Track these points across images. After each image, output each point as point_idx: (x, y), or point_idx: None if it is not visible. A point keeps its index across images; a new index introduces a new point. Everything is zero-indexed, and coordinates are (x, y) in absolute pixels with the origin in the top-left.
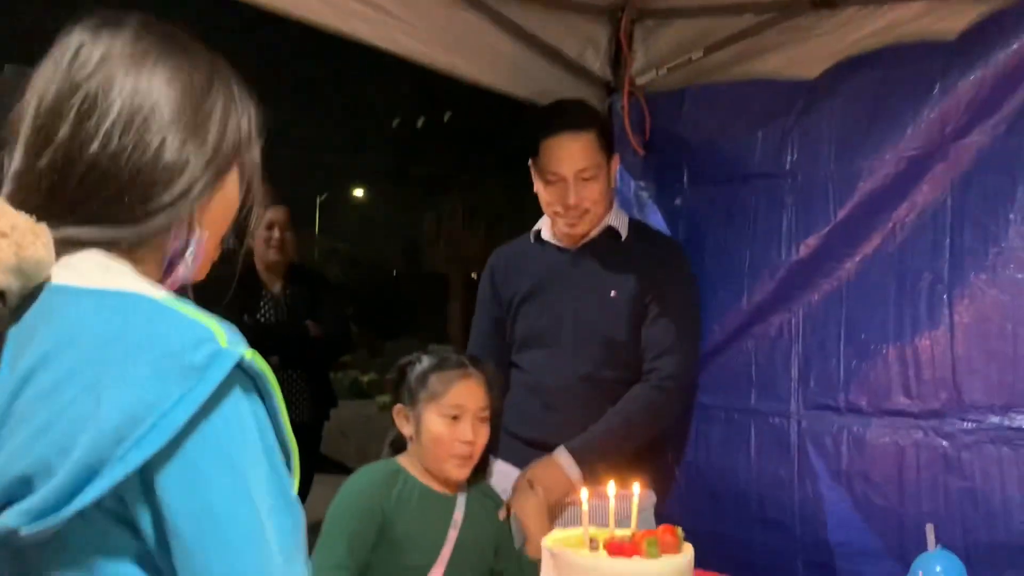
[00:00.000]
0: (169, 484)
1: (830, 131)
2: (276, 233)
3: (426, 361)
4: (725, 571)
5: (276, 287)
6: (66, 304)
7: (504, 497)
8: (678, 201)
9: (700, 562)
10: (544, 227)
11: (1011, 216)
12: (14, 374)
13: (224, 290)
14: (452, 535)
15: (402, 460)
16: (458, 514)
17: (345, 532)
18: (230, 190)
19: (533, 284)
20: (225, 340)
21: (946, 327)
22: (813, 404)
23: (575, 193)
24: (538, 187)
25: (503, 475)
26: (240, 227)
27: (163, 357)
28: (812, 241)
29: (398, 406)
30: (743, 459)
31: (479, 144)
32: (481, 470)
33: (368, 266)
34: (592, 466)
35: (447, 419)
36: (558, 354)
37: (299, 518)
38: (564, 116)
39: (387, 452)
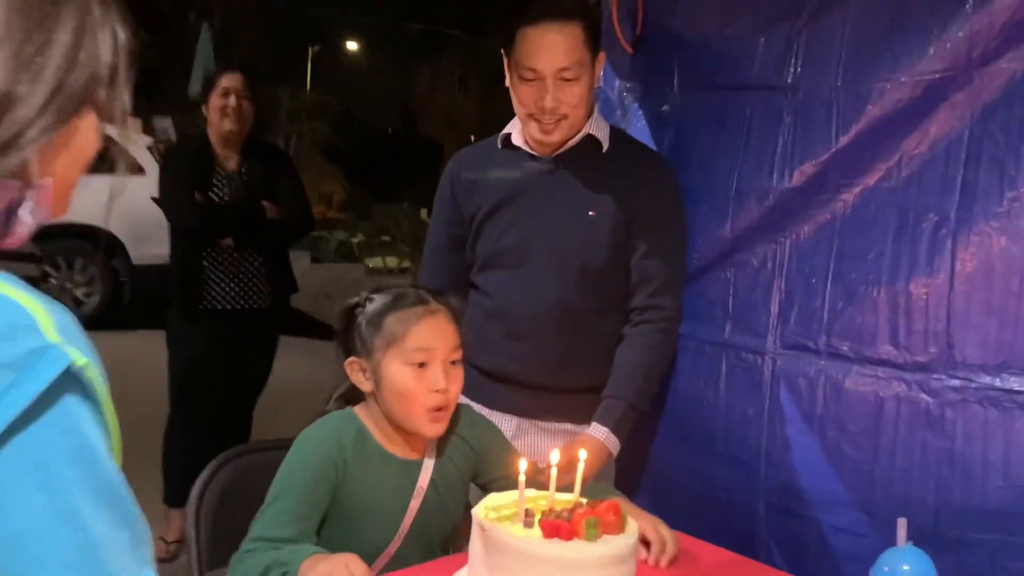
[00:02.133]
0: None
1: (841, 42)
2: (232, 101)
3: (378, 300)
4: (684, 503)
5: (231, 163)
6: None
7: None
8: (666, 108)
9: (660, 493)
10: (515, 131)
11: None
12: None
13: (177, 168)
14: (414, 505)
15: (361, 414)
16: (423, 480)
17: (298, 486)
18: (83, 137)
19: (500, 197)
20: (54, 331)
21: (946, 275)
22: (791, 343)
23: (553, 95)
24: (511, 84)
25: None
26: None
27: None
28: (808, 167)
29: (350, 359)
30: (711, 393)
31: (477, 2)
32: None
33: (361, 124)
34: (626, 431)
35: (412, 367)
36: (524, 277)
37: (142, 533)
38: (547, 2)
39: (335, 406)
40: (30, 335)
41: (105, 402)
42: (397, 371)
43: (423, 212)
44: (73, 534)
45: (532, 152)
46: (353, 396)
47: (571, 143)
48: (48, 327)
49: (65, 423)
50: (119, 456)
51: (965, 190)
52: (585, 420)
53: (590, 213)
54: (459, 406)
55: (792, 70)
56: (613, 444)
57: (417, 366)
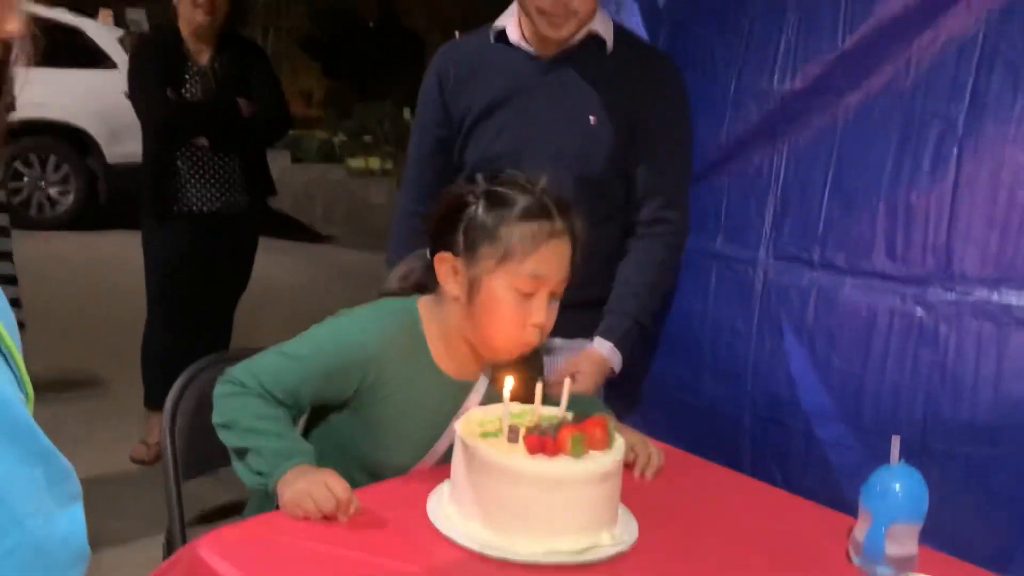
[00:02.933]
0: None
1: None
2: None
3: (497, 201)
4: (670, 415)
5: (204, 58)
6: None
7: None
8: (661, 2)
9: (646, 404)
10: (510, 25)
11: None
12: None
13: (145, 60)
14: (451, 430)
15: (424, 312)
16: (471, 402)
17: (314, 369)
18: None
19: (493, 97)
20: None
21: (949, 184)
22: (784, 254)
23: None
24: None
25: None
26: None
27: None
28: (812, 68)
29: (443, 254)
30: (699, 303)
31: None
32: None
33: (341, 17)
34: (630, 347)
35: (518, 292)
36: None
37: (61, 467)
38: None
39: (397, 286)
40: None
41: (2, 334)
42: (502, 291)
43: (406, 111)
44: None
45: (529, 51)
46: (421, 285)
47: (572, 41)
48: None
49: None
50: (31, 395)
51: (975, 96)
52: (580, 335)
53: (591, 118)
54: None
55: None
56: (616, 360)
57: (525, 294)
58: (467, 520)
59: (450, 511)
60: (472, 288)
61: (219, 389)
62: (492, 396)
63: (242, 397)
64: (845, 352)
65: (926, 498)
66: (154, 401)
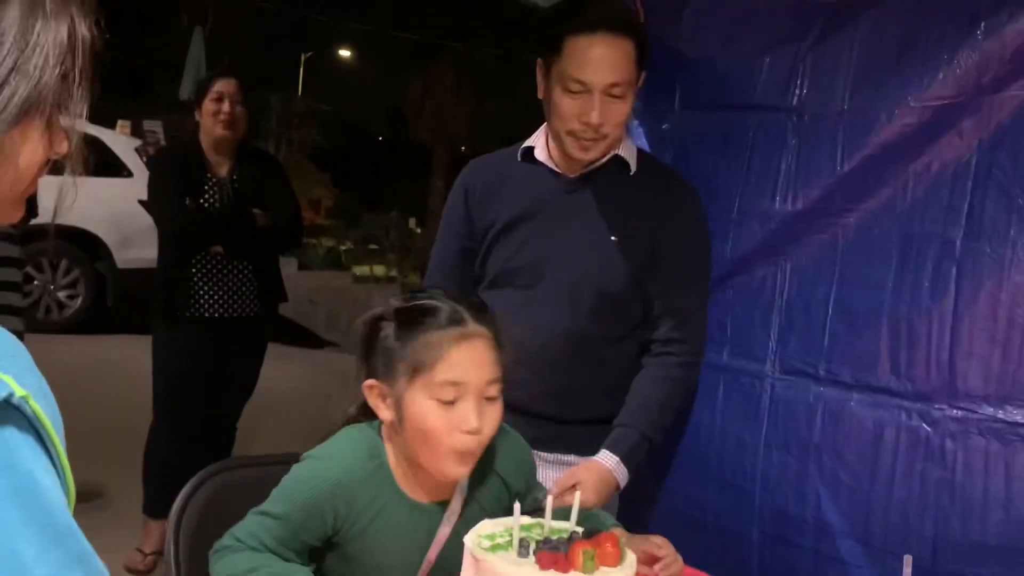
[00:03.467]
0: None
1: (848, 65)
2: (225, 107)
3: (405, 314)
4: (676, 529)
5: (223, 169)
6: None
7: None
8: (666, 126)
9: (652, 518)
10: (538, 145)
11: None
12: None
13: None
14: (431, 557)
15: (387, 436)
16: (443, 531)
17: (291, 521)
18: (20, 149)
19: (517, 212)
20: None
21: (949, 303)
22: (790, 368)
23: (600, 110)
24: (550, 95)
25: None
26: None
27: None
28: (812, 191)
29: (370, 381)
30: (707, 417)
31: (472, 11)
32: None
33: (351, 130)
34: (638, 465)
35: (440, 403)
36: (535, 301)
37: (97, 570)
38: (604, 13)
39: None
40: None
41: (52, 435)
42: (422, 406)
43: (412, 221)
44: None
45: (555, 169)
46: (370, 413)
47: (598, 162)
48: None
49: (2, 459)
50: (72, 496)
51: (971, 218)
52: (591, 452)
53: (612, 238)
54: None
55: (797, 92)
56: (622, 474)
57: (447, 403)
58: None
59: None
60: (399, 409)
61: (213, 559)
62: (466, 517)
63: (235, 553)
64: (852, 468)
65: None
66: (153, 509)
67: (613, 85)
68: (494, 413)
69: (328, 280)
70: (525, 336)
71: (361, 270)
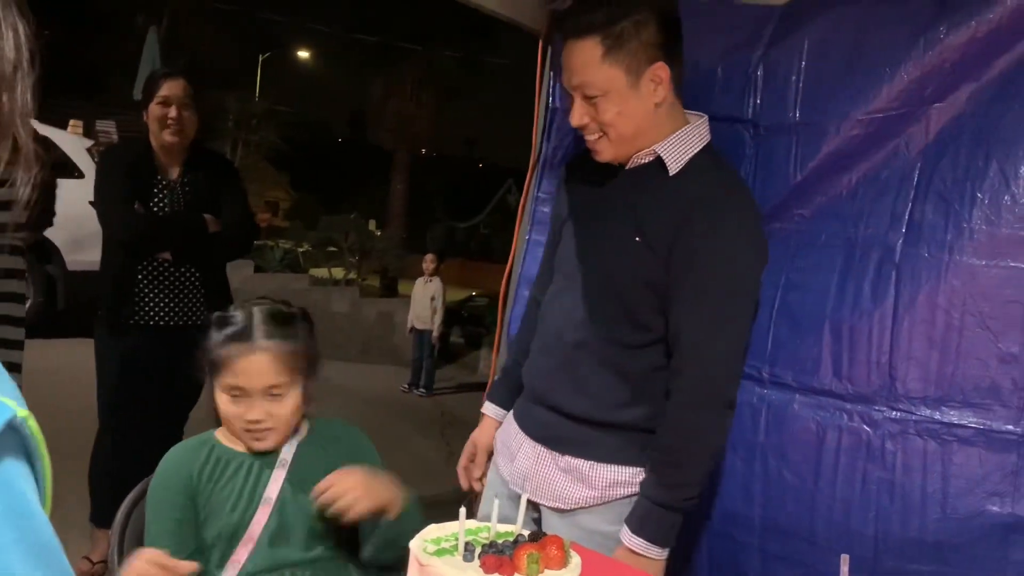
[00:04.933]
0: None
1: (797, 76)
2: (172, 112)
3: (217, 322)
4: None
5: (174, 172)
6: None
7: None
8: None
9: None
10: None
11: (978, 195)
12: None
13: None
14: (272, 492)
15: (218, 431)
16: (271, 490)
17: (162, 513)
18: None
19: (581, 200)
20: None
21: (890, 307)
22: None
23: (577, 111)
24: None
25: (508, 422)
26: None
27: None
28: (770, 200)
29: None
30: None
31: (433, 14)
32: None
33: (310, 132)
34: (663, 531)
35: (231, 396)
36: (567, 292)
37: None
38: (568, 18)
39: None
40: None
41: (42, 452)
42: (219, 397)
43: (371, 223)
44: None
45: (612, 163)
46: None
47: (639, 158)
48: None
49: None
50: (48, 504)
51: (911, 226)
52: (604, 459)
53: (636, 239)
54: (330, 421)
55: (753, 101)
56: (646, 548)
57: (233, 396)
58: None
59: None
60: (211, 396)
61: None
62: (300, 461)
63: None
64: (797, 468)
65: None
66: (100, 517)
67: (581, 86)
68: (280, 408)
69: (285, 282)
70: (551, 325)
71: (319, 272)
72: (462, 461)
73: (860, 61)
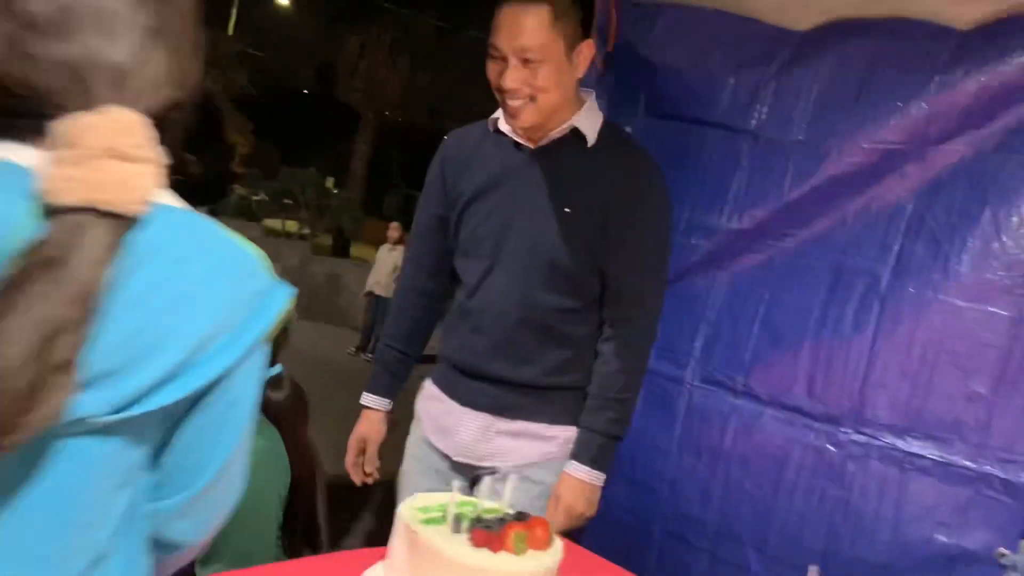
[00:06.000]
0: (219, 396)
1: (808, 97)
2: None
3: None
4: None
5: None
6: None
7: None
8: (629, 129)
9: None
10: (502, 115)
11: (968, 240)
12: None
13: None
14: None
15: None
16: None
17: None
18: None
19: (482, 184)
20: (270, 272)
21: (869, 335)
22: (710, 378)
23: (512, 75)
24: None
25: (436, 400)
26: None
27: (236, 281)
28: (758, 213)
29: None
30: None
31: None
32: None
33: (278, 79)
34: (610, 460)
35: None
36: (495, 271)
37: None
38: None
39: None
40: (263, 276)
41: None
42: None
43: (330, 180)
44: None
45: (517, 140)
46: None
47: (554, 134)
48: (268, 268)
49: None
50: None
51: (900, 259)
52: (554, 420)
53: (566, 210)
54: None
55: (757, 115)
56: (597, 478)
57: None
58: None
59: None
60: None
61: None
62: None
63: None
64: (757, 478)
65: None
66: None
67: (523, 50)
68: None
69: (237, 229)
70: (483, 305)
71: (272, 223)
72: (349, 458)
73: (873, 92)
